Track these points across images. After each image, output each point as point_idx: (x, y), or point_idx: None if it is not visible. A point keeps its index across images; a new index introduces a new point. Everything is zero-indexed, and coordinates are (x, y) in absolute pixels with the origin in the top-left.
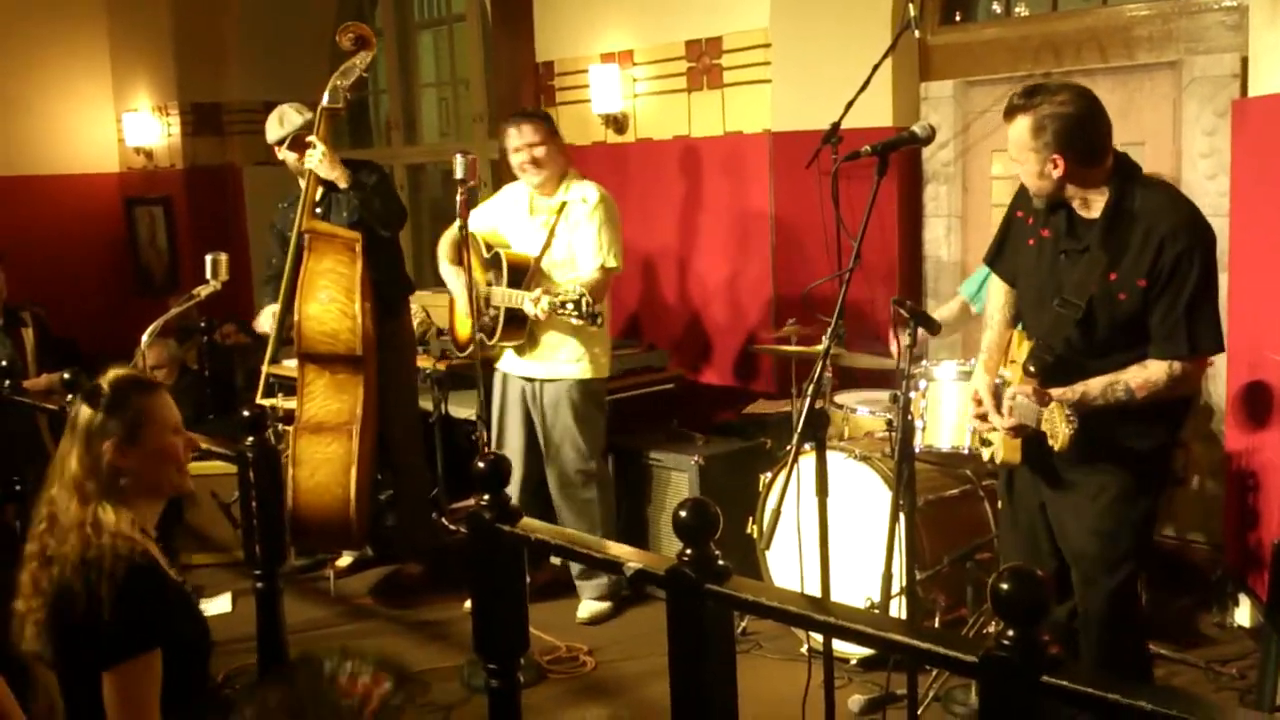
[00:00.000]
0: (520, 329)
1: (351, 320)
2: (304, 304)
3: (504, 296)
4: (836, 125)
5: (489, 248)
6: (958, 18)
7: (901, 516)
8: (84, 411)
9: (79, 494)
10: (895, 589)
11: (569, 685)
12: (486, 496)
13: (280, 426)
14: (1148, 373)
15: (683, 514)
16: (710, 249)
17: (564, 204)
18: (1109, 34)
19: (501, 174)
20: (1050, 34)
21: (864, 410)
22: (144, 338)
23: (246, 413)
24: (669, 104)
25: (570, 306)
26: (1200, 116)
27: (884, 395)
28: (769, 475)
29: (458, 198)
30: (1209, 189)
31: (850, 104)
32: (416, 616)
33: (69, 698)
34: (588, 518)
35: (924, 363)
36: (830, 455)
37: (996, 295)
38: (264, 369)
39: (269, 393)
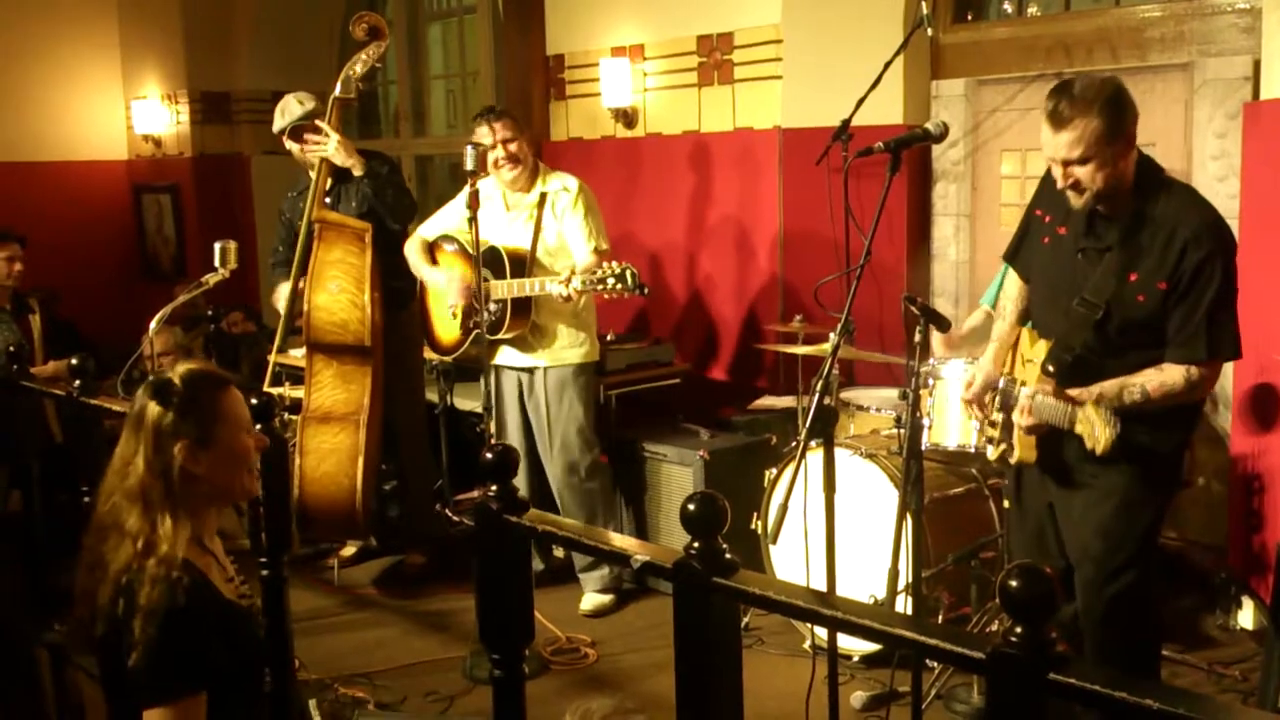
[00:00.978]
0: (524, 320)
1: (361, 311)
2: (313, 294)
3: (512, 287)
4: (847, 122)
5: (473, 246)
6: (969, 17)
7: (909, 514)
8: (152, 409)
9: (143, 501)
10: (901, 586)
11: (572, 677)
12: (494, 487)
13: (286, 415)
14: (1164, 376)
15: (691, 507)
16: (718, 244)
17: (544, 195)
18: (1121, 35)
19: None
20: (1062, 34)
21: (870, 407)
22: (151, 325)
23: (255, 401)
24: (679, 99)
25: (613, 281)
26: (1212, 119)
27: (890, 393)
28: (774, 471)
29: (467, 189)
30: (1219, 191)
31: (861, 101)
32: (419, 607)
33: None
34: (589, 508)
35: (931, 361)
36: (836, 452)
37: (1010, 287)
38: (271, 358)
39: (276, 382)
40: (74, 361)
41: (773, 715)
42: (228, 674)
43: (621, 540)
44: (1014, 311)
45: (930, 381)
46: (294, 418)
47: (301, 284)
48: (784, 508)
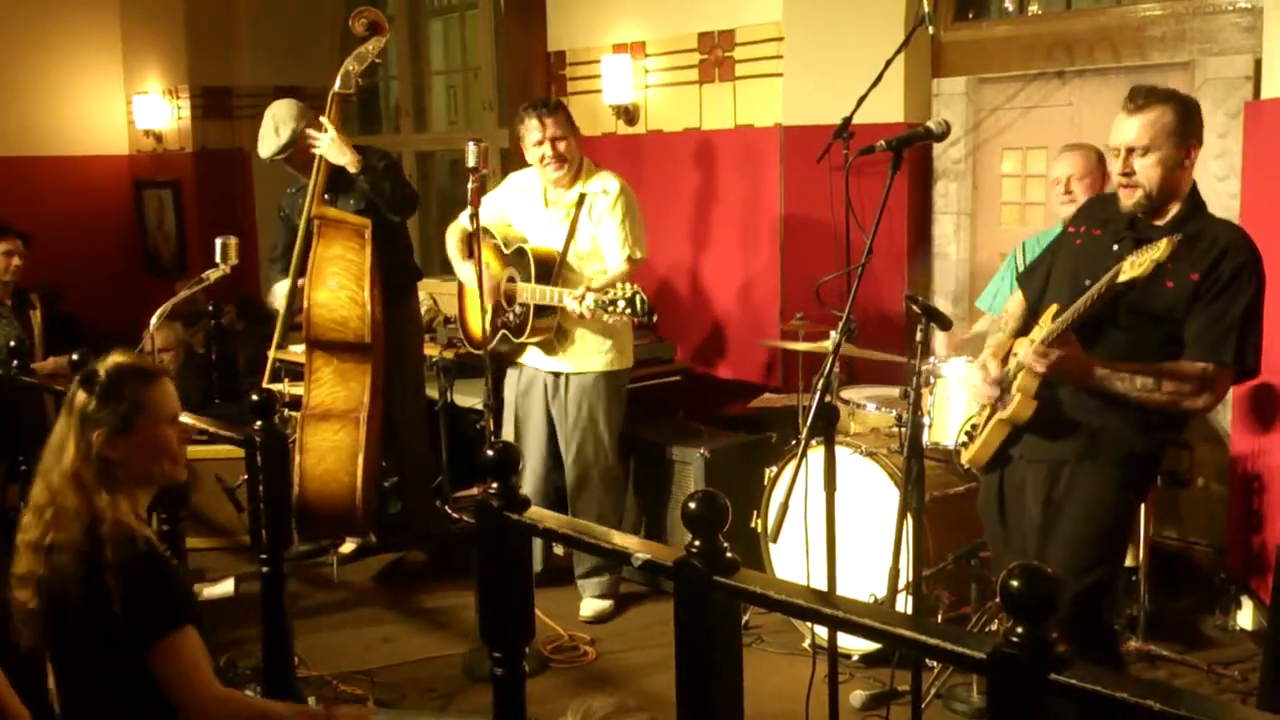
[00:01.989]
0: (549, 324)
1: (360, 308)
2: (313, 291)
3: (534, 293)
4: (848, 120)
5: (508, 243)
6: (971, 15)
7: (909, 513)
8: (80, 396)
9: (76, 482)
10: (901, 585)
11: (571, 675)
12: (495, 484)
13: (286, 412)
14: (1179, 368)
15: (692, 505)
16: (719, 242)
17: (583, 196)
18: (1122, 33)
19: (511, 163)
20: (1063, 32)
21: (871, 406)
22: (152, 320)
23: (255, 397)
24: (680, 96)
25: (622, 305)
26: (1212, 118)
27: (891, 391)
28: (774, 469)
29: (470, 185)
30: (1220, 190)
31: (862, 99)
32: (419, 604)
33: (67, 688)
34: (598, 515)
35: (932, 360)
36: (837, 451)
37: (1013, 304)
38: (271, 354)
39: (275, 378)
40: (74, 357)
41: (772, 714)
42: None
43: (622, 539)
44: (1013, 328)
45: (931, 380)
46: (293, 414)
47: (301, 281)
48: (784, 506)
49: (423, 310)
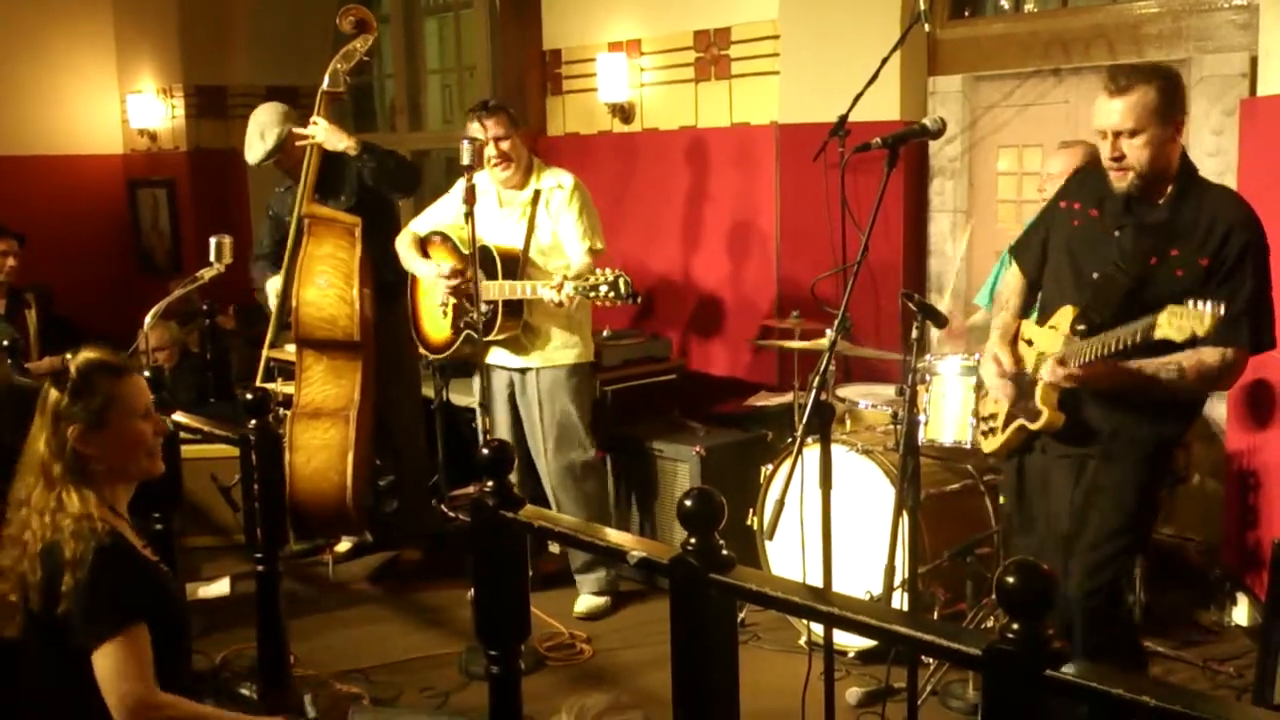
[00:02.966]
0: (516, 322)
1: (349, 306)
2: (302, 289)
3: (504, 289)
4: (844, 118)
5: (465, 243)
6: (967, 13)
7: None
8: (52, 393)
9: (45, 477)
10: (897, 582)
11: (568, 673)
12: (490, 483)
13: (280, 411)
14: (1201, 356)
15: (688, 503)
16: (715, 240)
17: (538, 192)
18: (1118, 31)
19: None
20: (1059, 30)
21: (867, 403)
22: (146, 320)
23: (250, 396)
24: (676, 94)
25: (605, 289)
26: (1209, 115)
27: (886, 389)
28: (770, 467)
29: (461, 183)
30: None
31: (858, 97)
32: (415, 603)
33: (39, 681)
34: (584, 509)
35: (928, 357)
36: (833, 448)
37: (1012, 280)
38: (264, 353)
39: (268, 377)
40: (68, 356)
41: (768, 711)
42: (157, 618)
43: (618, 536)
44: (1016, 305)
45: (927, 378)
46: (287, 413)
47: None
48: (780, 503)
49: None
